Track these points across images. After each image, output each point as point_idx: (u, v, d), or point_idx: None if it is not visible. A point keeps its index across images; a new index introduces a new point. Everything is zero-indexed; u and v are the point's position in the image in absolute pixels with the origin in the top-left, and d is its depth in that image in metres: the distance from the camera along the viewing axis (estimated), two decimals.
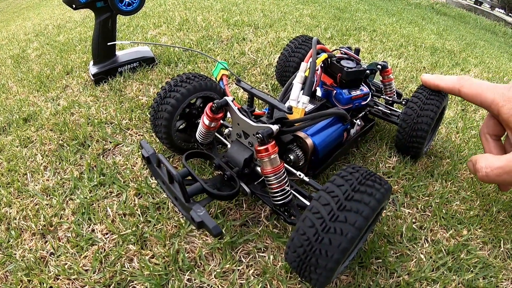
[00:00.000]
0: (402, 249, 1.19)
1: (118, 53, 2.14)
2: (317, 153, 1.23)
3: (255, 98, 1.14)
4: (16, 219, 1.23)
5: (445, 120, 1.99)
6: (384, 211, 1.32)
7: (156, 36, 2.79)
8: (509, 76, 3.24)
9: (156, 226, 1.18)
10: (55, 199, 1.29)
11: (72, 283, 1.03)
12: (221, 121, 1.21)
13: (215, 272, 1.06)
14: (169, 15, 3.28)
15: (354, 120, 1.44)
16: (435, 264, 1.17)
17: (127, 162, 1.44)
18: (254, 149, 1.03)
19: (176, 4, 3.76)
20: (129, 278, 1.04)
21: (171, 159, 1.47)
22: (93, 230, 1.18)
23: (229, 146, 1.19)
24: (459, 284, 1.12)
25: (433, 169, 1.57)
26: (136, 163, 1.44)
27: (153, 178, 1.35)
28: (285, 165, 1.10)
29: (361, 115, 1.50)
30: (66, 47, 2.77)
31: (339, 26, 3.48)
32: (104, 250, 1.12)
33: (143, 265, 1.06)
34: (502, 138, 1.14)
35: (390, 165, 1.55)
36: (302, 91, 1.23)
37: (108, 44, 1.95)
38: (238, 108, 1.11)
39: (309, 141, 1.18)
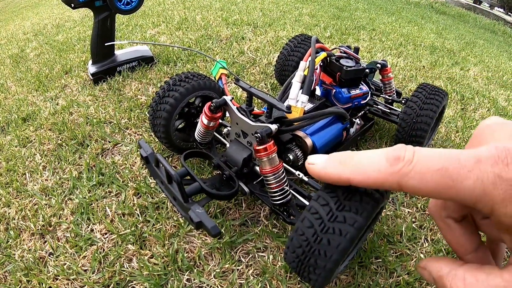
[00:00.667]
0: (402, 249, 1.19)
1: (117, 52, 2.14)
2: (317, 153, 1.22)
3: (254, 97, 1.13)
4: (15, 219, 1.23)
5: (445, 119, 1.99)
6: (384, 210, 1.32)
7: (155, 35, 2.79)
8: (508, 75, 3.25)
9: (155, 226, 1.18)
10: (54, 199, 1.29)
11: (71, 283, 1.03)
12: (220, 121, 1.21)
13: (214, 272, 1.06)
14: (168, 14, 3.28)
15: (354, 119, 1.43)
16: None
17: (126, 162, 1.44)
18: (253, 149, 1.03)
19: (175, 3, 3.76)
20: (128, 278, 1.04)
21: (170, 159, 1.47)
22: (92, 230, 1.18)
23: (228, 145, 1.19)
24: None
25: None
26: (135, 162, 1.44)
27: (152, 177, 1.35)
28: (284, 164, 1.10)
29: (360, 114, 1.49)
30: (65, 46, 2.77)
31: (338, 25, 3.48)
32: (103, 250, 1.11)
33: (142, 265, 1.06)
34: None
35: None
36: (301, 90, 1.23)
37: (106, 44, 1.95)
38: (236, 108, 1.10)
39: (308, 140, 1.18)
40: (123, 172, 1.39)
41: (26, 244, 1.14)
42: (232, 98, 1.13)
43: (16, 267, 1.07)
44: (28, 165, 1.45)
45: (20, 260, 1.09)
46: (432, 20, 5.50)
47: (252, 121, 1.05)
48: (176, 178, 0.86)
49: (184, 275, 1.05)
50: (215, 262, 1.09)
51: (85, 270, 1.06)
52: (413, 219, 1.31)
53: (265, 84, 2.09)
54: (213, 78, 1.42)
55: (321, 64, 1.38)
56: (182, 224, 1.18)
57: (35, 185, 1.36)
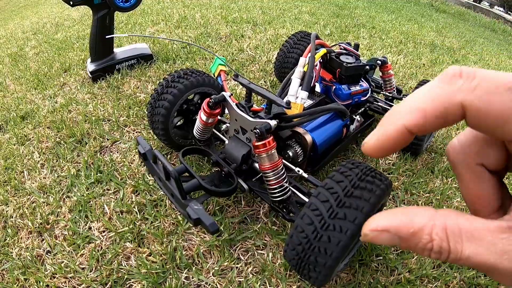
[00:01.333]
0: None
1: (116, 50, 2.13)
2: (316, 149, 1.21)
3: (253, 94, 1.12)
4: (12, 217, 1.22)
5: None
6: (385, 207, 1.31)
7: (154, 33, 2.78)
8: None
9: (153, 224, 1.17)
10: (52, 196, 1.28)
11: (69, 281, 1.02)
12: (219, 117, 1.20)
13: (213, 270, 1.05)
14: (167, 12, 3.27)
15: (354, 116, 1.42)
16: (436, 261, 1.16)
17: (124, 159, 1.43)
18: (252, 145, 1.02)
19: (174, 1, 3.75)
20: (126, 276, 1.03)
21: (168, 156, 1.46)
22: (90, 228, 1.17)
23: (226, 142, 1.18)
24: (460, 281, 1.11)
25: (433, 165, 1.56)
26: (134, 160, 1.43)
27: (150, 174, 1.34)
28: (284, 161, 1.09)
29: (360, 111, 1.49)
30: (64, 45, 2.76)
31: (338, 23, 3.47)
32: (101, 248, 1.11)
33: (140, 263, 1.05)
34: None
35: (390, 161, 1.54)
36: (301, 86, 1.22)
37: (107, 37, 1.94)
38: (235, 104, 1.09)
39: (308, 137, 1.17)
40: (122, 169, 1.38)
41: (24, 242, 1.13)
42: (231, 94, 1.12)
43: (14, 265, 1.06)
44: (26, 163, 1.44)
45: (18, 258, 1.08)
46: (432, 18, 5.49)
47: (251, 117, 1.04)
48: (174, 175, 0.85)
49: (183, 273, 1.04)
50: (214, 260, 1.08)
51: (82, 268, 1.05)
52: None
53: (264, 82, 2.08)
54: (212, 75, 1.41)
55: (321, 60, 1.37)
56: (181, 222, 1.17)
57: (33, 183, 1.35)
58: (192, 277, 1.04)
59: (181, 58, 2.29)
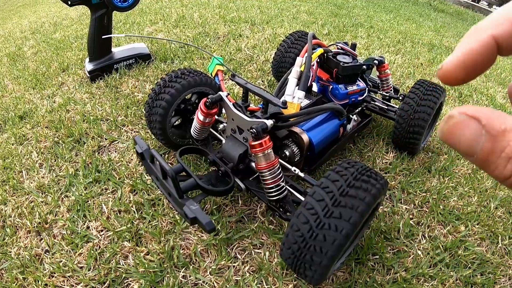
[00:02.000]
0: (399, 245, 1.19)
1: (114, 50, 2.13)
2: (313, 149, 1.22)
3: (250, 94, 1.13)
4: (11, 216, 1.22)
5: (442, 116, 1.98)
6: (381, 207, 1.32)
7: (152, 33, 2.78)
8: (506, 73, 3.25)
9: (151, 223, 1.18)
10: (50, 196, 1.28)
11: (67, 280, 1.03)
12: (216, 117, 1.20)
13: (210, 269, 1.06)
14: (166, 12, 3.26)
15: (351, 115, 1.43)
16: (432, 260, 1.17)
17: (122, 159, 1.43)
18: (249, 144, 1.02)
19: (172, 1, 3.74)
20: (124, 275, 1.03)
21: (166, 156, 1.46)
22: (88, 227, 1.18)
23: (223, 141, 1.18)
24: (456, 280, 1.12)
25: (430, 165, 1.57)
26: (132, 159, 1.43)
27: (148, 174, 1.34)
28: (280, 160, 1.09)
29: (357, 110, 1.49)
30: (62, 44, 2.75)
31: (336, 23, 3.47)
32: (99, 247, 1.11)
33: (138, 262, 1.05)
34: None
35: (387, 160, 1.55)
36: (298, 86, 1.22)
37: (103, 37, 1.93)
38: (232, 103, 1.10)
39: (304, 136, 1.17)
40: (120, 169, 1.38)
41: (22, 242, 1.14)
42: (228, 94, 1.12)
43: (12, 265, 1.06)
44: (24, 163, 1.45)
45: (16, 258, 1.08)
46: (430, 18, 5.48)
47: (248, 116, 1.05)
48: (170, 174, 0.86)
49: (180, 271, 1.05)
50: (211, 259, 1.09)
51: (81, 267, 1.05)
52: (411, 216, 1.31)
53: (262, 81, 2.08)
54: (209, 75, 1.42)
55: (318, 60, 1.38)
56: (178, 221, 1.18)
57: (31, 183, 1.35)
58: (190, 276, 1.04)
59: (179, 58, 2.30)
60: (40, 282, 1.01)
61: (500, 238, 1.29)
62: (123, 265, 1.06)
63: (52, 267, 1.05)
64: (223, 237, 1.13)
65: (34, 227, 1.17)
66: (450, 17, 6.68)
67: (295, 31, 1.87)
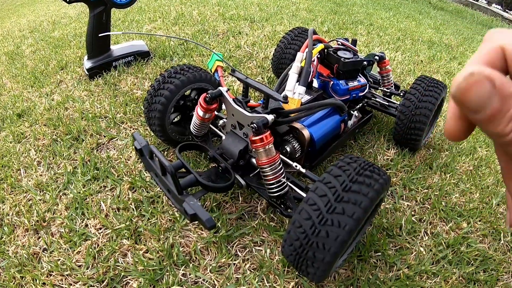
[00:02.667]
0: (402, 242, 1.18)
1: (112, 47, 2.12)
2: (314, 145, 1.21)
3: (250, 89, 1.12)
4: (9, 215, 1.21)
5: (444, 113, 1.98)
6: (383, 203, 1.31)
7: (151, 31, 2.76)
8: None
9: (150, 220, 1.16)
10: (48, 194, 1.27)
11: (65, 279, 1.01)
12: (216, 113, 1.19)
13: (210, 267, 1.04)
14: (165, 10, 3.25)
15: (352, 111, 1.42)
16: (435, 257, 1.16)
17: (121, 156, 1.42)
18: (249, 140, 1.01)
19: None
20: (122, 273, 1.02)
21: (165, 153, 1.45)
22: (86, 225, 1.16)
23: (223, 137, 1.17)
24: (459, 277, 1.11)
25: (431, 161, 1.56)
26: (130, 156, 1.42)
27: (147, 170, 1.33)
28: (281, 156, 1.08)
29: (358, 106, 1.48)
30: (61, 42, 2.74)
31: (335, 20, 3.47)
32: (98, 245, 1.10)
33: (137, 260, 1.04)
34: None
35: (388, 157, 1.54)
36: (298, 81, 1.21)
37: (100, 35, 1.92)
38: (232, 99, 1.09)
39: (305, 132, 1.16)
40: (118, 166, 1.37)
41: (20, 240, 1.13)
42: (228, 89, 1.11)
43: (10, 263, 1.05)
44: (22, 161, 1.44)
45: (14, 256, 1.07)
46: (430, 15, 5.48)
47: (248, 112, 1.04)
48: (170, 170, 0.84)
49: (180, 270, 1.04)
50: (211, 257, 1.08)
51: (79, 266, 1.04)
52: (413, 213, 1.30)
53: (262, 78, 2.07)
54: (209, 71, 1.41)
55: (318, 56, 1.36)
56: (178, 218, 1.16)
57: (29, 181, 1.34)
58: (189, 274, 1.03)
59: (178, 55, 2.29)
60: (38, 281, 1.00)
61: (502, 235, 1.29)
62: (122, 263, 1.05)
63: (50, 265, 1.04)
64: (223, 234, 1.12)
65: (32, 225, 1.16)
66: (450, 15, 6.68)
67: (295, 28, 1.86)
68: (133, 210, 1.20)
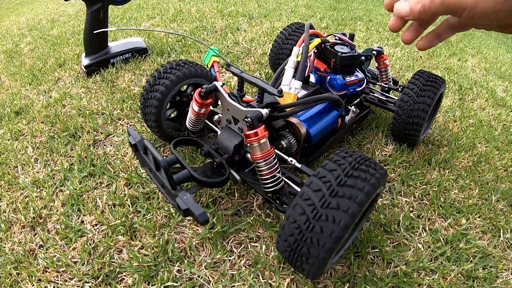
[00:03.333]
0: (399, 239, 1.18)
1: (110, 44, 2.11)
2: (310, 140, 1.20)
3: (247, 85, 1.11)
4: (5, 212, 1.21)
5: (442, 109, 1.98)
6: (380, 199, 1.30)
7: (149, 27, 2.76)
8: (506, 67, 3.24)
9: (146, 217, 1.16)
10: (45, 191, 1.26)
11: (61, 275, 1.01)
12: (212, 108, 1.18)
13: (205, 263, 1.04)
14: (163, 7, 3.25)
15: (349, 106, 1.41)
16: (433, 253, 1.15)
17: (117, 152, 1.42)
18: (244, 134, 1.00)
19: None
20: (117, 269, 1.01)
21: (161, 149, 1.44)
22: (82, 222, 1.16)
23: (219, 133, 1.16)
24: (458, 274, 1.11)
25: (430, 157, 1.55)
26: (127, 153, 1.42)
27: (141, 166, 1.33)
28: (277, 151, 1.07)
29: (356, 101, 1.47)
30: (59, 40, 2.74)
31: (334, 16, 3.46)
32: (93, 241, 1.09)
33: (132, 256, 1.03)
34: None
35: (386, 153, 1.53)
36: (295, 76, 1.20)
37: (95, 32, 1.91)
38: (227, 93, 1.08)
39: (302, 127, 1.16)
40: (115, 162, 1.37)
41: (17, 237, 1.12)
42: (223, 84, 1.10)
43: (6, 260, 1.05)
44: (20, 158, 1.43)
45: (10, 253, 1.06)
46: None
47: (243, 106, 1.03)
48: (163, 164, 0.83)
49: (175, 266, 1.03)
50: (206, 253, 1.07)
51: (74, 262, 1.04)
52: (411, 209, 1.30)
53: (260, 74, 2.07)
54: (205, 66, 1.40)
55: (315, 50, 1.36)
56: (173, 214, 1.16)
57: (26, 178, 1.33)
58: (184, 270, 1.02)
59: (176, 52, 2.28)
60: (33, 278, 1.00)
61: (502, 231, 1.28)
62: (117, 259, 1.04)
63: (46, 262, 1.03)
64: (219, 230, 1.12)
65: (28, 222, 1.16)
66: None
67: (293, 23, 1.85)
68: (129, 206, 1.19)
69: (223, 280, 1.00)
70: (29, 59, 2.48)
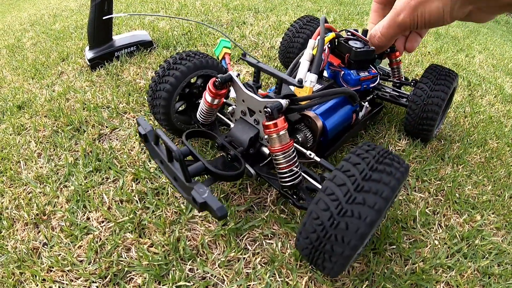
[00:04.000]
0: (416, 235, 1.15)
1: (114, 37, 2.08)
2: (326, 134, 1.17)
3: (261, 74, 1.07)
4: (8, 208, 1.17)
5: (453, 105, 1.97)
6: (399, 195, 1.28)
7: (153, 21, 2.73)
8: None
9: (155, 213, 1.12)
10: (48, 186, 1.23)
11: (66, 275, 0.97)
12: (224, 100, 1.15)
13: (219, 261, 1.00)
14: (167, 1, 3.23)
15: (362, 103, 1.38)
16: (450, 250, 1.13)
17: (124, 147, 1.38)
18: (262, 125, 0.96)
19: None
20: (126, 268, 0.98)
21: None
22: (88, 218, 1.12)
23: (232, 125, 1.12)
24: (474, 271, 1.08)
25: (443, 152, 1.53)
26: (134, 147, 1.38)
27: (151, 162, 1.29)
28: (295, 144, 1.04)
29: (369, 98, 1.45)
30: (62, 34, 2.72)
31: (341, 11, 3.44)
32: (100, 239, 1.06)
33: (142, 254, 1.00)
34: None
35: (399, 147, 1.50)
36: (310, 69, 1.17)
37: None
38: (243, 84, 1.04)
39: (318, 120, 1.13)
40: (121, 157, 1.33)
41: (19, 235, 1.09)
42: (238, 74, 1.07)
43: (9, 259, 1.01)
44: (22, 153, 1.40)
45: (13, 252, 1.03)
46: None
47: (260, 97, 0.99)
48: (178, 154, 0.78)
49: (187, 264, 0.99)
50: (219, 251, 1.04)
51: (80, 261, 1.00)
52: (426, 205, 1.27)
53: None
54: (215, 58, 1.36)
55: (329, 45, 1.32)
56: (184, 210, 1.12)
57: (29, 173, 1.30)
58: (197, 269, 0.99)
59: (182, 45, 2.25)
60: (37, 277, 0.96)
61: None
62: (125, 258, 1.01)
63: (50, 260, 0.99)
64: (232, 227, 1.08)
65: (31, 219, 1.12)
66: None
67: (304, 16, 1.82)
68: (137, 202, 1.15)
69: (238, 279, 0.96)
70: (31, 53, 2.46)
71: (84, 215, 1.13)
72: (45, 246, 1.05)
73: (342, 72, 1.34)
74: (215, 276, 0.97)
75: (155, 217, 1.11)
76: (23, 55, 2.45)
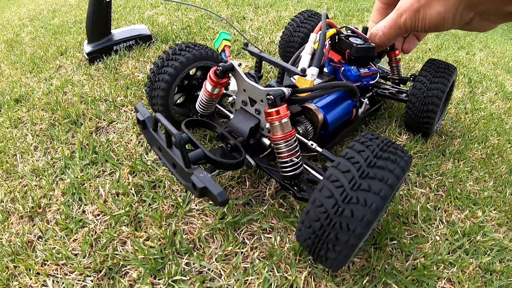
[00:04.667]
0: (417, 230, 1.13)
1: (113, 31, 2.06)
2: (327, 127, 1.16)
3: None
4: (3, 201, 1.15)
5: (454, 101, 1.96)
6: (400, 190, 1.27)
7: (153, 16, 2.72)
8: None
9: (151, 206, 1.10)
10: (44, 179, 1.21)
11: (60, 268, 0.95)
12: (224, 91, 1.13)
13: (216, 255, 0.98)
14: None
15: (362, 99, 1.38)
16: (451, 246, 1.11)
17: (121, 140, 1.36)
18: (264, 112, 0.94)
19: None
20: (121, 262, 0.96)
21: None
22: (83, 211, 1.10)
23: (232, 116, 1.11)
24: (476, 267, 1.07)
25: (444, 148, 1.52)
26: (131, 140, 1.36)
27: (149, 154, 1.28)
28: (297, 135, 1.02)
29: (368, 95, 1.45)
30: (61, 29, 2.71)
31: (341, 7, 3.43)
32: (95, 232, 1.04)
33: (137, 248, 0.98)
34: None
35: (400, 142, 1.49)
36: (311, 63, 1.16)
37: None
38: (245, 73, 1.03)
39: (319, 113, 1.12)
40: (118, 150, 1.31)
41: (14, 228, 1.07)
42: (240, 64, 1.05)
43: (3, 252, 0.99)
44: (19, 146, 1.38)
45: (8, 245, 1.01)
46: None
47: (262, 86, 0.98)
48: (178, 138, 0.76)
49: (183, 258, 0.97)
50: (217, 245, 1.02)
51: (75, 255, 0.98)
52: (427, 200, 1.26)
53: None
54: (215, 50, 1.35)
55: (330, 41, 1.31)
56: (181, 204, 1.10)
57: (25, 166, 1.28)
58: (193, 263, 0.97)
59: (181, 39, 2.25)
60: (31, 271, 0.94)
61: None
62: (120, 251, 0.99)
63: (45, 254, 0.98)
64: (230, 220, 1.06)
65: (26, 212, 1.10)
66: None
67: (304, 10, 1.81)
68: (133, 195, 1.14)
69: (236, 274, 0.95)
70: (30, 48, 2.45)
71: (80, 208, 1.11)
72: (40, 240, 1.03)
73: (343, 68, 1.33)
74: (212, 271, 0.95)
75: (152, 210, 1.09)
76: (22, 50, 2.44)
